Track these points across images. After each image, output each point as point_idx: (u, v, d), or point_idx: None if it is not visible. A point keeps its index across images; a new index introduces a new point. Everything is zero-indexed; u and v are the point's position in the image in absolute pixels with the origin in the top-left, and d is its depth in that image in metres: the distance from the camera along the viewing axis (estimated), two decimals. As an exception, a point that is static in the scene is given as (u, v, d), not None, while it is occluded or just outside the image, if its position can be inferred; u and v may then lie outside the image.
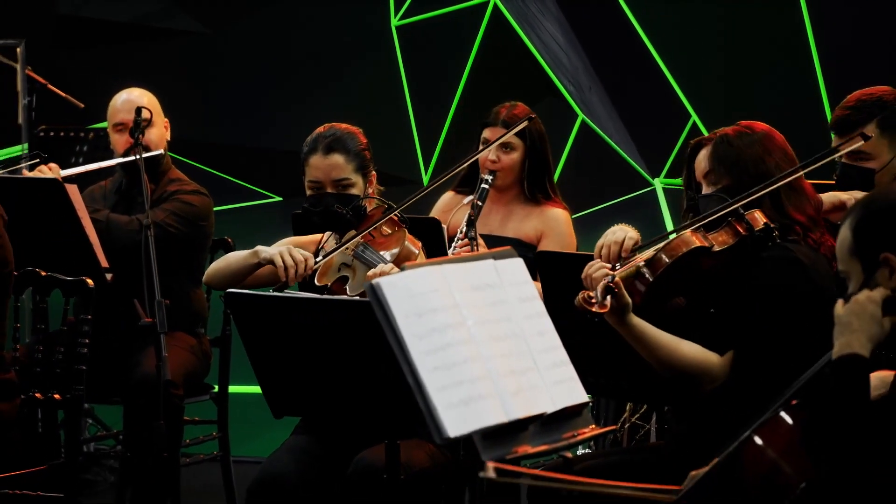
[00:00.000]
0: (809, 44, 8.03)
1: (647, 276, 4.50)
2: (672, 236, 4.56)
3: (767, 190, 4.53)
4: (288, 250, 5.11)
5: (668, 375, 4.56)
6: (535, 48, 8.55)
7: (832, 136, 5.38)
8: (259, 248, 5.24)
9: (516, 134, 6.50)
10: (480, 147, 6.54)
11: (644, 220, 8.25)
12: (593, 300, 4.38)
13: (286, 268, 5.09)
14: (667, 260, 4.49)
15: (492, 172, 6.41)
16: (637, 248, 4.68)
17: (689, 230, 4.54)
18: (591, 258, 4.77)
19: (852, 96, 5.46)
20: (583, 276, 4.63)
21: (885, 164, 5.31)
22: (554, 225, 6.56)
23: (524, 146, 6.54)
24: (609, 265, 4.55)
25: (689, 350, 4.55)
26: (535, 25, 8.57)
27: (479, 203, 6.24)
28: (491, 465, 3.92)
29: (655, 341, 4.53)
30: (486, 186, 6.31)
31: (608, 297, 4.39)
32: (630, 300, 4.45)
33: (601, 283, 4.41)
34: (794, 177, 4.58)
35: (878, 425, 3.46)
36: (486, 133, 6.58)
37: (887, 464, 3.44)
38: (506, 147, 6.53)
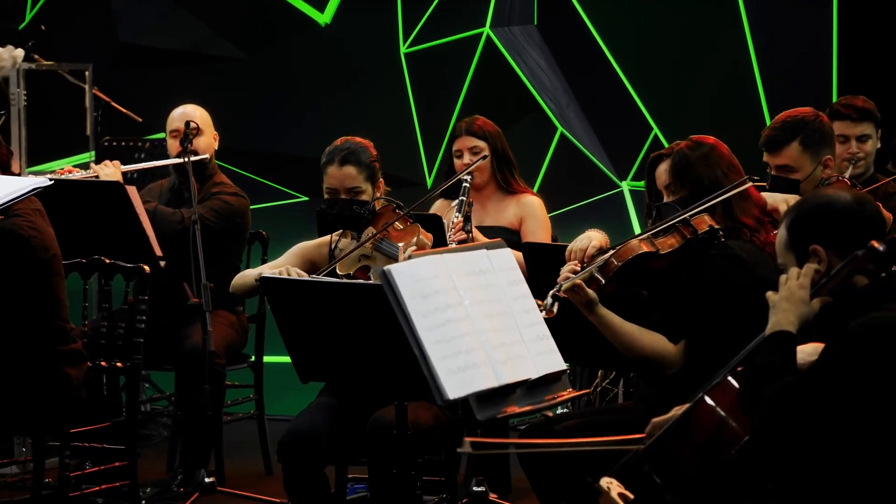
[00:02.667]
0: (753, 65, 8.03)
1: (600, 278, 4.50)
2: (624, 243, 4.56)
3: (715, 201, 4.52)
4: (287, 270, 5.04)
5: (631, 359, 4.57)
6: (521, 71, 8.54)
7: (764, 154, 5.35)
8: (264, 268, 5.22)
9: (480, 137, 6.52)
10: (454, 155, 6.57)
11: (613, 216, 8.26)
12: (542, 307, 4.41)
13: None
14: (616, 264, 4.50)
15: (469, 174, 6.43)
16: (600, 252, 4.67)
17: (637, 238, 4.55)
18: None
19: (779, 117, 5.43)
20: (571, 260, 4.68)
21: (807, 175, 5.28)
22: (530, 210, 6.54)
23: (490, 147, 6.55)
24: (574, 267, 4.54)
25: (649, 340, 4.54)
26: (521, 52, 8.57)
27: (464, 199, 6.27)
28: (468, 440, 3.97)
29: (619, 330, 4.52)
30: (468, 185, 6.32)
31: (555, 305, 4.41)
32: (595, 296, 4.45)
33: (549, 293, 4.43)
34: (739, 189, 4.57)
35: (806, 387, 3.46)
36: (456, 144, 6.59)
37: (812, 417, 3.44)
38: (476, 153, 6.54)
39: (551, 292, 4.40)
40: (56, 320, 5.44)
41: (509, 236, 6.19)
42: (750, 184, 4.56)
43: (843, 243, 3.54)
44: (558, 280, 4.48)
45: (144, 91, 8.61)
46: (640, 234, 4.57)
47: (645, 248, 4.49)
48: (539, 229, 6.44)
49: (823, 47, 7.87)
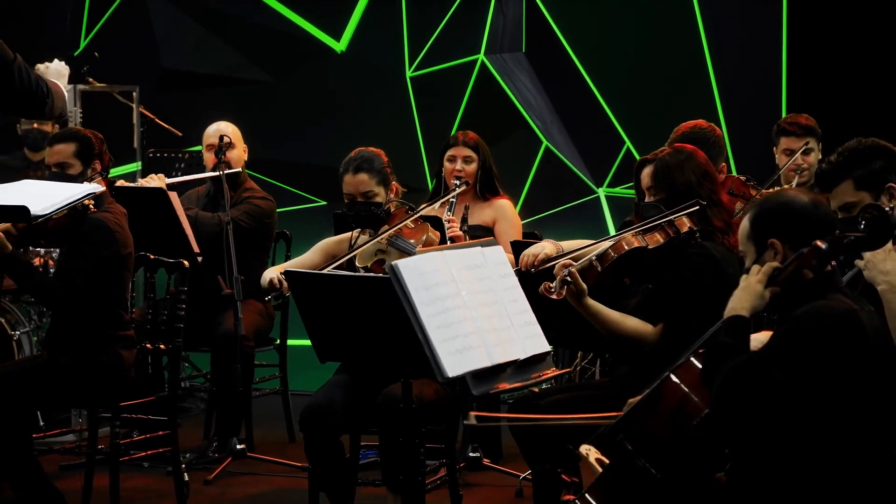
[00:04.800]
0: (713, 91, 8.02)
1: (598, 267, 4.50)
2: (620, 234, 4.57)
3: (691, 209, 4.53)
4: (275, 272, 5.03)
5: (612, 340, 4.57)
6: (511, 92, 8.52)
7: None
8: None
9: (472, 148, 6.55)
10: (446, 160, 6.57)
11: (590, 218, 8.25)
12: (552, 289, 4.40)
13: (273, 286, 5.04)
14: (613, 255, 4.50)
15: (459, 178, 6.44)
16: (548, 259, 4.66)
17: (630, 233, 4.55)
18: None
19: (676, 130, 5.43)
20: (524, 264, 4.68)
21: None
22: (502, 212, 6.55)
23: (478, 159, 6.57)
24: (569, 261, 4.53)
25: (631, 323, 4.54)
26: (511, 76, 8.56)
27: (453, 200, 6.30)
28: (473, 413, 4.00)
29: (605, 317, 4.52)
30: (457, 188, 6.36)
31: (564, 287, 4.40)
32: (585, 287, 4.45)
33: (559, 276, 4.42)
34: (692, 209, 4.56)
35: (756, 365, 3.46)
36: (451, 151, 6.60)
37: (762, 391, 3.44)
38: (468, 161, 6.55)
39: (560, 276, 4.39)
40: (118, 308, 5.48)
41: (484, 234, 6.24)
42: (697, 207, 4.55)
43: (798, 239, 3.53)
44: (554, 271, 4.46)
45: (184, 109, 8.60)
46: (631, 230, 4.57)
47: (637, 243, 4.50)
48: (510, 228, 6.47)
49: (772, 75, 7.87)
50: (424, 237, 5.08)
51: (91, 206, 5.38)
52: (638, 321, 4.54)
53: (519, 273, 4.47)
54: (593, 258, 4.50)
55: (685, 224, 4.53)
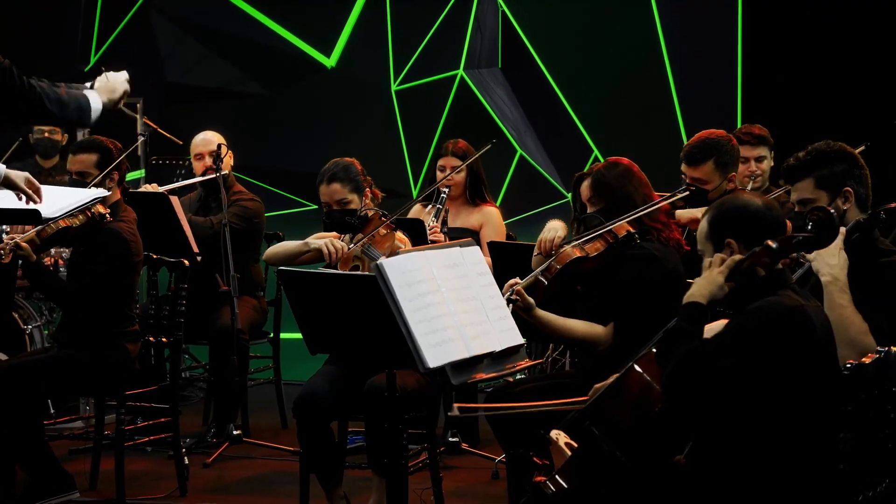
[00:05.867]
0: (673, 98, 8.04)
1: (543, 280, 4.51)
2: (561, 250, 4.56)
3: (631, 217, 4.53)
4: (331, 241, 5.11)
5: (569, 345, 4.58)
6: (488, 105, 8.52)
7: (683, 164, 5.33)
8: (309, 240, 5.23)
9: (461, 157, 6.55)
10: (437, 169, 6.57)
11: (561, 221, 8.25)
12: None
13: (330, 254, 5.10)
14: (557, 266, 4.51)
15: (448, 186, 6.43)
16: (562, 243, 4.66)
17: (570, 245, 4.55)
18: (524, 248, 4.77)
19: (696, 136, 5.41)
20: (544, 249, 4.67)
21: (715, 187, 5.27)
22: (489, 219, 6.56)
23: (467, 167, 6.57)
24: (514, 282, 4.49)
25: (581, 328, 4.55)
26: (488, 89, 8.56)
27: (440, 206, 6.28)
28: (456, 405, 4.01)
29: (555, 326, 4.53)
30: (445, 196, 6.35)
31: (510, 305, 4.39)
32: (532, 302, 4.44)
33: (505, 295, 4.40)
34: (654, 207, 4.58)
35: (708, 351, 3.46)
36: (441, 161, 6.62)
37: (710, 376, 3.44)
38: (457, 169, 6.54)
39: (505, 296, 4.38)
40: (126, 309, 5.48)
41: (471, 237, 6.21)
42: (647, 210, 4.56)
43: (752, 239, 3.54)
44: (503, 291, 4.43)
45: (186, 120, 8.57)
46: (572, 242, 4.58)
47: (577, 254, 4.51)
48: (494, 234, 6.48)
49: (729, 90, 7.89)
50: (389, 245, 5.07)
51: (107, 214, 5.35)
52: (586, 324, 4.54)
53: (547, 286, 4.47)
54: (538, 274, 4.50)
55: (623, 229, 4.53)
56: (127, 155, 5.74)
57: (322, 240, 5.15)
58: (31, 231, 5.24)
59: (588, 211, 4.65)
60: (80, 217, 5.25)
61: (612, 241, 4.51)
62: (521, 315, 4.42)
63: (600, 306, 4.57)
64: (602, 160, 7.94)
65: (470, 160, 6.51)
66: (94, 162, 5.54)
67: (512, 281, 4.48)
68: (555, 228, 4.75)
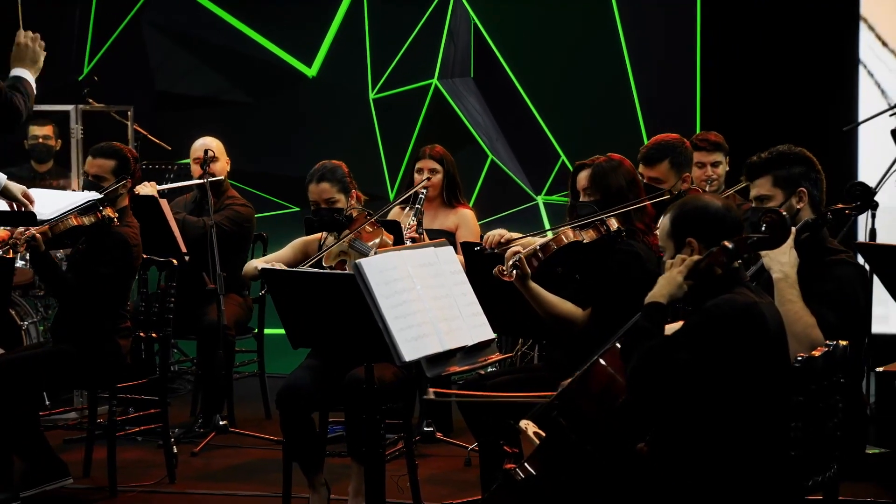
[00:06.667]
0: (636, 106, 8.06)
1: (541, 255, 4.51)
2: (559, 229, 4.58)
3: (623, 210, 4.55)
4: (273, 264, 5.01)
5: (550, 322, 4.56)
6: (461, 112, 8.52)
7: (640, 166, 5.34)
8: (261, 262, 5.14)
9: (437, 161, 6.54)
10: (415, 171, 6.56)
11: (530, 221, 8.23)
12: (504, 272, 4.41)
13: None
14: (554, 246, 4.52)
15: (425, 188, 6.42)
16: (508, 241, 4.68)
17: (569, 228, 4.56)
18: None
19: (653, 140, 5.44)
20: (489, 242, 4.70)
21: (671, 186, 5.30)
22: (464, 221, 6.56)
23: (444, 170, 6.56)
24: (518, 248, 4.53)
25: (566, 307, 4.55)
26: (461, 98, 8.56)
27: (419, 207, 6.27)
28: (431, 390, 4.00)
29: (544, 298, 4.53)
30: (422, 197, 6.33)
31: (514, 270, 4.41)
32: (529, 272, 4.46)
33: (510, 261, 4.43)
34: (640, 204, 4.59)
35: (667, 348, 3.46)
36: (419, 164, 6.61)
37: (670, 370, 3.44)
38: (434, 172, 6.54)
39: (511, 260, 4.40)
40: (120, 308, 5.45)
41: (446, 237, 6.21)
42: (635, 205, 4.58)
43: (711, 239, 3.54)
44: (506, 256, 4.46)
45: (175, 127, 8.54)
46: (569, 224, 4.58)
47: (575, 237, 4.53)
48: (469, 235, 6.46)
49: (688, 96, 7.92)
50: (379, 240, 5.07)
51: (115, 219, 5.32)
52: (571, 305, 4.56)
53: (482, 252, 4.50)
54: (537, 248, 4.51)
55: (614, 224, 4.55)
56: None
57: (270, 262, 5.09)
58: (46, 226, 5.22)
59: (581, 199, 4.66)
60: (91, 217, 5.23)
61: (605, 233, 4.53)
62: (517, 284, 4.44)
63: (581, 291, 4.58)
64: (569, 164, 8.04)
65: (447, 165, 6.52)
66: (112, 168, 5.49)
67: (514, 249, 4.48)
68: (501, 232, 4.79)
